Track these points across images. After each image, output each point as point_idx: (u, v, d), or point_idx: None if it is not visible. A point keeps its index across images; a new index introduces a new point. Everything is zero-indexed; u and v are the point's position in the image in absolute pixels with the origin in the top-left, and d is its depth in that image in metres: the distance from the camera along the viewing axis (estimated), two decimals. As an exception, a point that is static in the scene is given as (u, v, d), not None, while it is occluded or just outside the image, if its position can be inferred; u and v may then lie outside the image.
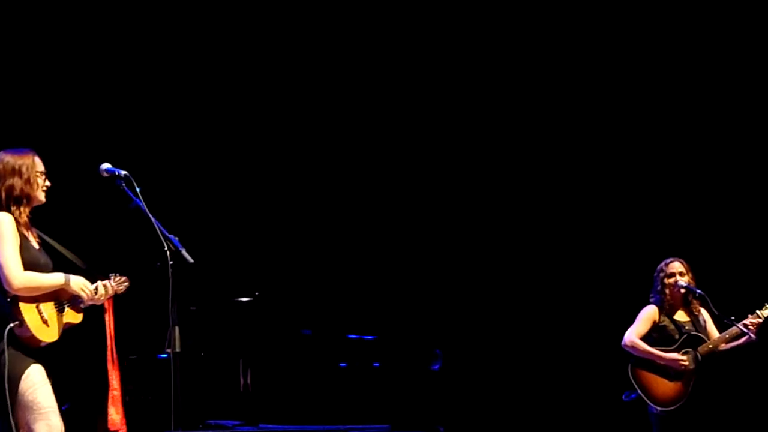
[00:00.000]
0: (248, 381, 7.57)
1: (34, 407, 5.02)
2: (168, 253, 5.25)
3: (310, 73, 9.35)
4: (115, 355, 5.34)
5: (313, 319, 8.15)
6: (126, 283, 5.39)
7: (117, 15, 8.78)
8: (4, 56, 8.37)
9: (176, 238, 5.28)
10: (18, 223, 5.08)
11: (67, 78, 8.61)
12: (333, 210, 9.39)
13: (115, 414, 5.32)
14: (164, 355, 6.85)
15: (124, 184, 5.35)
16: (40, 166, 5.23)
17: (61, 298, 5.16)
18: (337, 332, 7.95)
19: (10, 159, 5.16)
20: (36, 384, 5.04)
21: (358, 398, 7.78)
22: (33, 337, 5.00)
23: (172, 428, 5.53)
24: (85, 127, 8.56)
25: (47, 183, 5.25)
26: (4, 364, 4.97)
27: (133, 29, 8.81)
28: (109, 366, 5.33)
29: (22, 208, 5.12)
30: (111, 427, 5.31)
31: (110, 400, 5.32)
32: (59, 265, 5.25)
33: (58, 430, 5.05)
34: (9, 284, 4.98)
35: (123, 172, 5.37)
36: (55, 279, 5.12)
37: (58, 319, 5.13)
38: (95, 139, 8.26)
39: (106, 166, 5.41)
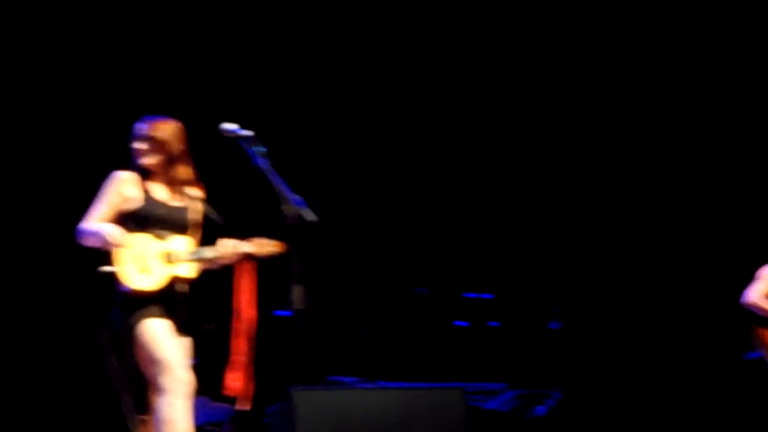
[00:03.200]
0: (367, 338, 7.64)
1: (157, 361, 5.15)
2: (288, 213, 5.33)
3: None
4: (244, 321, 5.44)
5: (431, 277, 8.19)
6: (273, 248, 5.45)
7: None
8: (124, 18, 8.47)
9: (300, 198, 5.35)
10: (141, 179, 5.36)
11: (191, 39, 8.63)
12: (452, 169, 9.35)
13: (233, 380, 5.42)
14: (282, 313, 6.96)
15: (247, 144, 5.44)
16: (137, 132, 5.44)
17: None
18: (455, 291, 7.97)
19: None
20: (157, 338, 5.18)
21: (475, 357, 7.81)
22: (127, 283, 5.18)
23: (294, 385, 5.64)
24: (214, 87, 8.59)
25: (140, 147, 5.39)
26: (118, 316, 5.22)
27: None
28: (235, 330, 5.45)
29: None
30: (227, 392, 5.43)
31: (231, 365, 5.43)
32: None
33: (183, 383, 5.16)
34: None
35: (247, 132, 5.46)
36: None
37: (163, 269, 5.27)
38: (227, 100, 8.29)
39: (230, 126, 5.51)
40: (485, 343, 7.85)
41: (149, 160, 5.40)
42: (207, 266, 5.43)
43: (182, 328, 5.31)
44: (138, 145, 5.41)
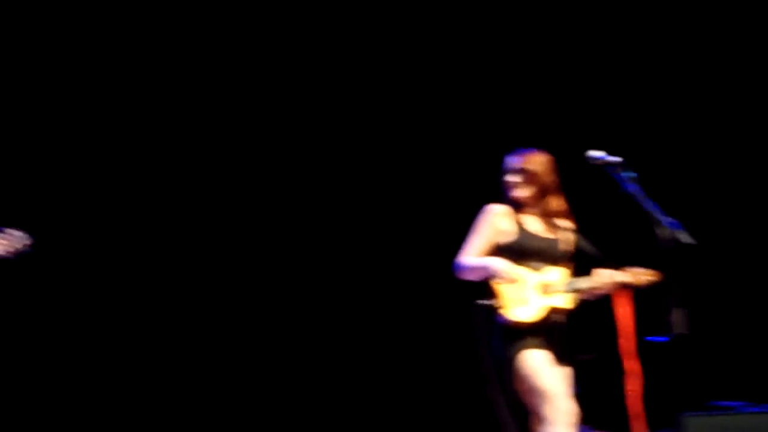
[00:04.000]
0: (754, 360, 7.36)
1: (539, 392, 5.17)
2: (663, 237, 5.18)
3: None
4: (630, 352, 5.35)
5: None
6: (649, 277, 5.39)
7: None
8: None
9: (675, 221, 5.22)
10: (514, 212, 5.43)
11: (550, 73, 8.56)
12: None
13: (634, 409, 5.31)
14: (658, 339, 6.77)
15: (616, 170, 5.35)
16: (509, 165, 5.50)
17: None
18: None
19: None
20: (537, 369, 5.20)
21: None
22: (505, 313, 5.23)
23: (678, 411, 5.49)
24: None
25: (513, 180, 5.45)
26: (498, 347, 5.26)
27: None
28: (623, 360, 5.36)
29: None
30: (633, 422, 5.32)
31: (629, 395, 5.32)
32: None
33: (566, 413, 5.15)
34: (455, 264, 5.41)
35: (615, 159, 5.38)
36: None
37: (540, 301, 5.29)
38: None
39: (597, 153, 5.43)
40: None
41: (522, 193, 5.46)
42: (583, 297, 5.42)
43: (561, 358, 5.32)
44: (510, 178, 5.48)
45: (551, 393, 5.16)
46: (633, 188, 5.31)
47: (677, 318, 5.17)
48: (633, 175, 5.32)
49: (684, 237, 5.16)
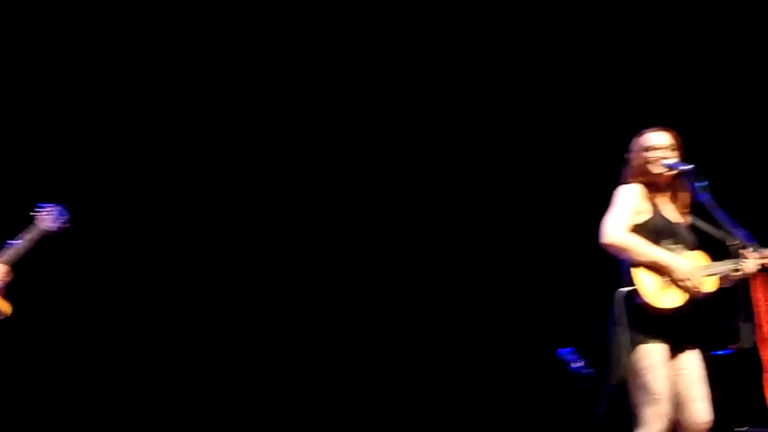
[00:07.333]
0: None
1: (646, 391, 5.01)
2: (733, 247, 5.09)
3: None
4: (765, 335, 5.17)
5: None
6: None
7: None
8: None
9: (746, 232, 5.11)
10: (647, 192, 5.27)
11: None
12: None
13: None
14: (721, 352, 6.63)
15: (688, 178, 5.22)
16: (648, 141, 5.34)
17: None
18: None
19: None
20: (652, 367, 5.02)
21: None
22: (646, 303, 5.06)
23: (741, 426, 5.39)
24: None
25: (659, 156, 5.29)
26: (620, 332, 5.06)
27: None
28: (760, 345, 5.17)
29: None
30: None
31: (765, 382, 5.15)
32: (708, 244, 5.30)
33: (663, 419, 4.99)
34: (601, 236, 5.15)
35: (687, 166, 5.26)
36: (657, 255, 5.11)
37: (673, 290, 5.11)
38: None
39: (670, 161, 5.29)
40: None
41: (659, 170, 5.31)
42: (722, 282, 5.22)
43: (691, 344, 5.16)
44: (660, 154, 5.31)
45: (658, 396, 4.99)
46: (704, 197, 5.16)
47: (745, 331, 5.06)
48: (704, 183, 5.18)
49: (754, 250, 5.06)
